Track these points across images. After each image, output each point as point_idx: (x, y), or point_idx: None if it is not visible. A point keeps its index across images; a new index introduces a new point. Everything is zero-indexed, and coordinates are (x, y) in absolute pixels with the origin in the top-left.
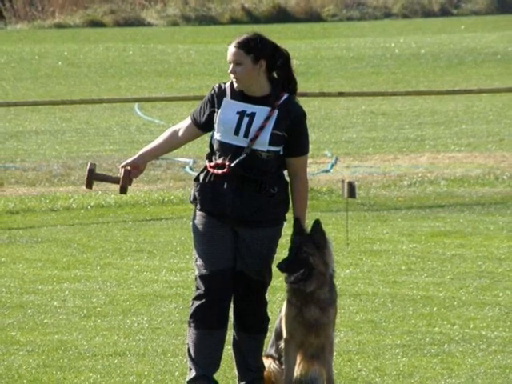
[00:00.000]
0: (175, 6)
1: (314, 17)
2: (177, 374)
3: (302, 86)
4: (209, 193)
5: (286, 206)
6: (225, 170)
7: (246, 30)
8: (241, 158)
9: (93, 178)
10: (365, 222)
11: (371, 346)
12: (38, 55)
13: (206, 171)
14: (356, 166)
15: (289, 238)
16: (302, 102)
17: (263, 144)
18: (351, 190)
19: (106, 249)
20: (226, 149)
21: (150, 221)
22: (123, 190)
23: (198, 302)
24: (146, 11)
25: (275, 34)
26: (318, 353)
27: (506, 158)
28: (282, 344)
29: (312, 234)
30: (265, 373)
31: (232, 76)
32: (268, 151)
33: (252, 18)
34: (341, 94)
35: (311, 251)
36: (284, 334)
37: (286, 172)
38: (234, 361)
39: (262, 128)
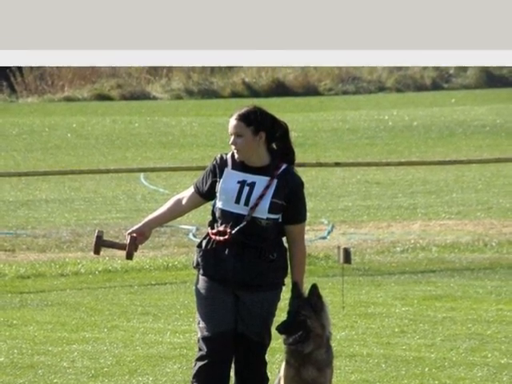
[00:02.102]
0: (179, 80)
1: (311, 91)
2: None
3: (299, 157)
4: (211, 258)
5: (284, 271)
6: (226, 236)
7: (246, 103)
8: (241, 225)
9: (100, 244)
10: (360, 286)
11: None
12: (48, 127)
13: (208, 238)
14: (351, 232)
15: (287, 302)
16: (300, 171)
17: (263, 212)
18: (347, 256)
19: (112, 312)
20: (228, 216)
21: (155, 285)
22: (129, 256)
23: (200, 363)
24: (151, 85)
25: (274, 107)
26: None
27: (495, 225)
28: None
29: (309, 297)
30: None
31: (233, 147)
32: (267, 219)
33: (252, 91)
34: (337, 165)
35: (309, 314)
36: None
37: (284, 238)
38: None
39: (261, 196)
